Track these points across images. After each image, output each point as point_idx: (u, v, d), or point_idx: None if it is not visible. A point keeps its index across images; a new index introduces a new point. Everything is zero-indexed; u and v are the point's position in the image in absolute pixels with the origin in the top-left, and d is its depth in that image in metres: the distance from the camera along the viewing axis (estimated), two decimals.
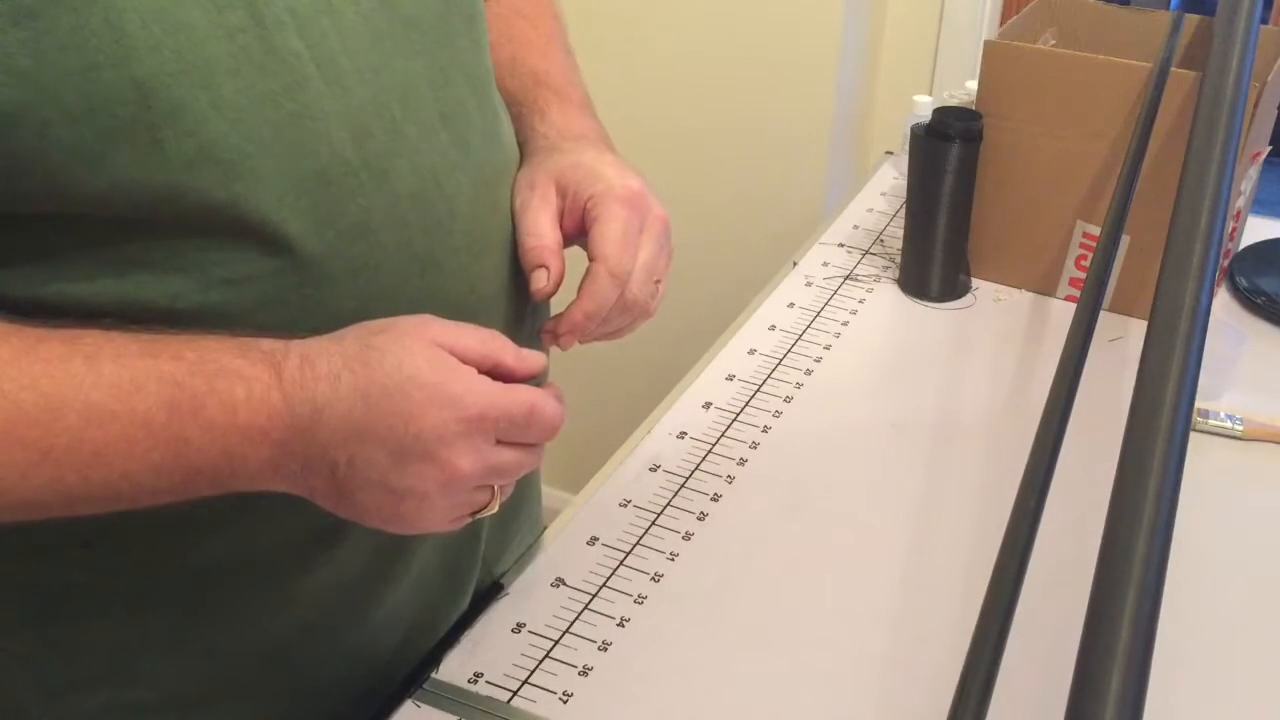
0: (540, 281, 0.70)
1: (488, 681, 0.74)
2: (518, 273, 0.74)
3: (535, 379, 0.64)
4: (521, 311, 0.77)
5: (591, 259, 0.70)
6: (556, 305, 0.74)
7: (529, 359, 0.63)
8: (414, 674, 0.74)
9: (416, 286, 0.66)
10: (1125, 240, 1.08)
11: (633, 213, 0.71)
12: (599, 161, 0.74)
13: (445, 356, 0.59)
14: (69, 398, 0.53)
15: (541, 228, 0.71)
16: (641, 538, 0.85)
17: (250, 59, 0.56)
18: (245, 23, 0.56)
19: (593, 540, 0.85)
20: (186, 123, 0.54)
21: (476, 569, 0.84)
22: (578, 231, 0.73)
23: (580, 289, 0.70)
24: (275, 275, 0.60)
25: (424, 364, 0.58)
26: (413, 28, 0.65)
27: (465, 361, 0.60)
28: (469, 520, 0.63)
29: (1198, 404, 1.00)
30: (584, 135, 0.78)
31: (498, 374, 0.61)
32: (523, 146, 0.78)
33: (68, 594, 0.66)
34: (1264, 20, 1.09)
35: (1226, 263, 1.20)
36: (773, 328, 1.11)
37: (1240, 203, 1.14)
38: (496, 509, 0.63)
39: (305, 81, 0.59)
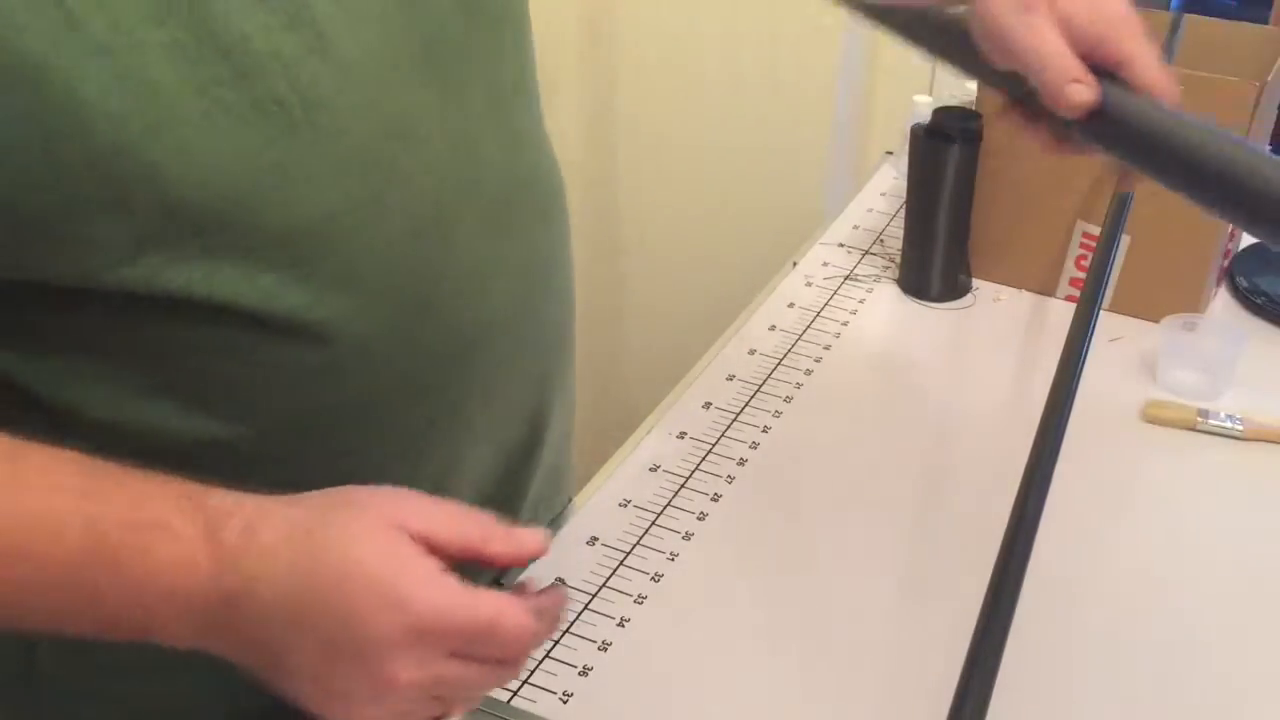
0: (1079, 95, 0.63)
1: None
2: (541, 296, 0.72)
3: (530, 558, 0.57)
4: (545, 335, 0.74)
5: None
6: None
7: (521, 543, 0.56)
8: None
9: (410, 329, 0.63)
10: (1125, 240, 1.08)
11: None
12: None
13: (402, 547, 0.51)
14: None
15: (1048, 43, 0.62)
16: (641, 538, 0.85)
17: (228, 112, 0.54)
18: (223, 75, 0.53)
19: (593, 540, 0.85)
20: (157, 185, 0.53)
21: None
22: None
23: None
24: (256, 347, 0.58)
25: (373, 553, 0.51)
26: (430, 48, 0.63)
27: (436, 550, 0.52)
28: None
29: (1198, 404, 1.00)
30: None
31: (479, 561, 0.54)
32: None
33: None
34: (1264, 20, 1.09)
35: (1227, 263, 1.20)
36: (773, 328, 1.11)
37: None
38: None
39: (292, 129, 0.56)
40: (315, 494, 0.54)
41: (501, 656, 0.55)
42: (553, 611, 0.57)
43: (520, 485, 0.82)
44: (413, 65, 0.62)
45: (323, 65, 0.57)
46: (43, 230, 0.52)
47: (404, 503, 0.54)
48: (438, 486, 0.65)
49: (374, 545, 0.51)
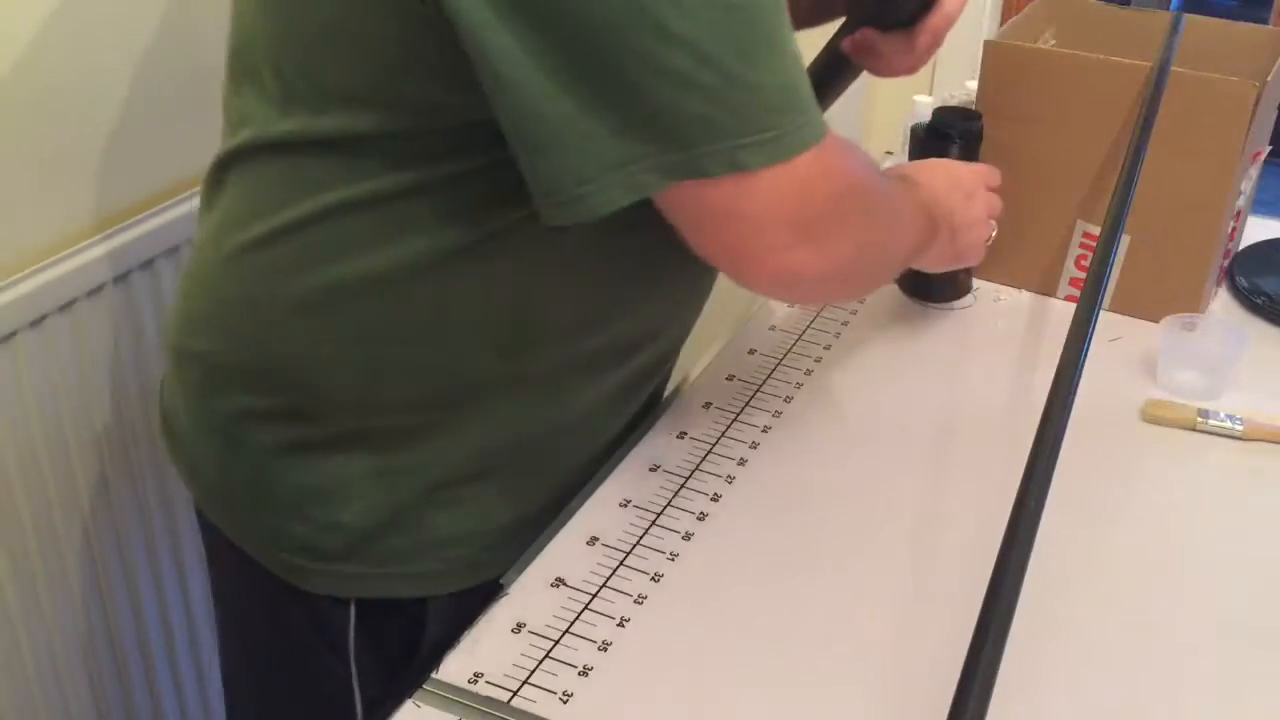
0: None
1: (488, 681, 0.73)
2: None
3: None
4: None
5: None
6: None
7: None
8: (414, 674, 0.75)
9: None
10: (1125, 240, 1.08)
11: None
12: None
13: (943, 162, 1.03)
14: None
15: None
16: (641, 538, 0.85)
17: None
18: None
19: (593, 540, 0.85)
20: None
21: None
22: None
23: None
24: None
25: (940, 165, 1.01)
26: None
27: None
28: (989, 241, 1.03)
29: (1198, 404, 1.00)
30: None
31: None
32: None
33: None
34: (1264, 20, 1.09)
35: (1227, 263, 1.20)
36: (773, 328, 1.11)
37: (1240, 203, 1.14)
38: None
39: None
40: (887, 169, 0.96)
41: (989, 178, 1.02)
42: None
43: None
44: None
45: None
46: None
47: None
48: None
49: (929, 162, 1.02)
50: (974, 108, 1.13)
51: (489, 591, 0.81)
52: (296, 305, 0.80)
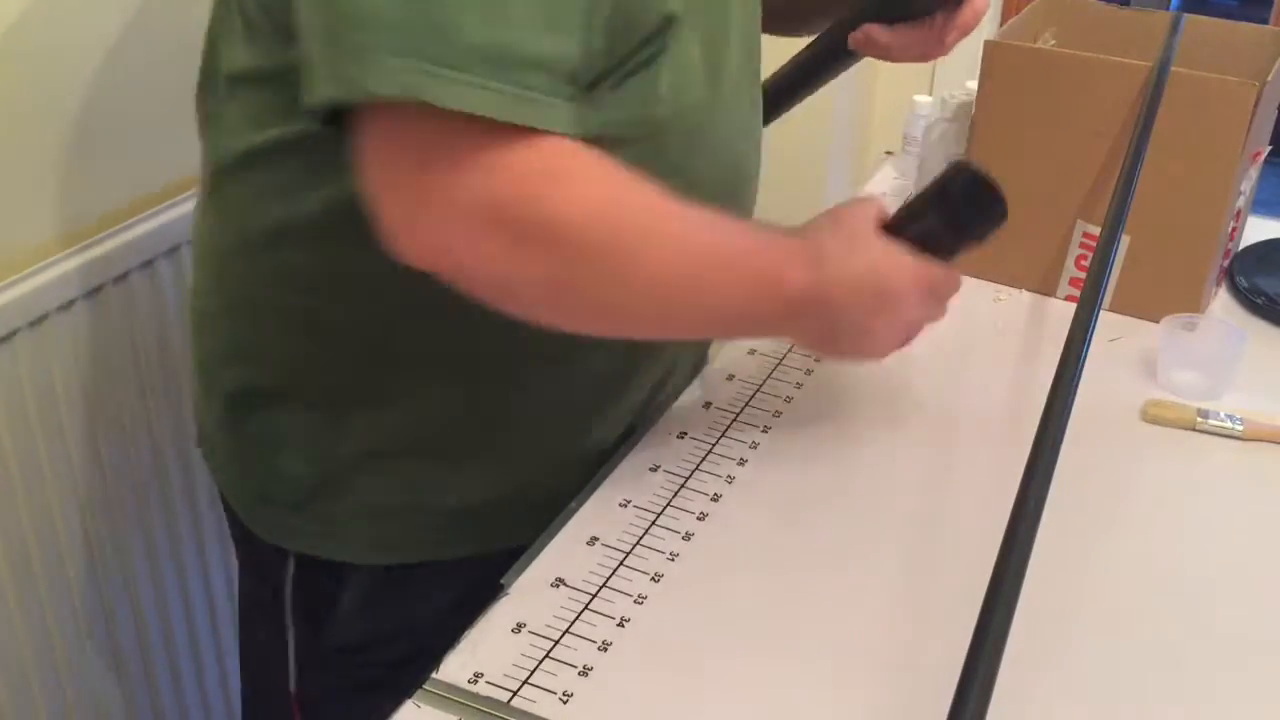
0: None
1: (488, 681, 0.73)
2: None
3: None
4: None
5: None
6: None
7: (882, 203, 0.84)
8: (414, 674, 0.75)
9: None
10: (1125, 240, 1.08)
11: None
12: None
13: (889, 243, 0.79)
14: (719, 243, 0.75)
15: None
16: (641, 538, 0.85)
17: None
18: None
19: (593, 540, 0.85)
20: None
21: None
22: None
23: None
24: None
25: (880, 252, 0.79)
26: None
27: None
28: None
29: (1198, 404, 1.00)
30: None
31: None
32: None
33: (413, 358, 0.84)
34: (1264, 20, 1.09)
35: (1226, 263, 1.20)
36: None
37: (1240, 203, 1.14)
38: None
39: None
40: (823, 222, 0.81)
41: (947, 296, 0.83)
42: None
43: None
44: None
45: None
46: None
47: (869, 211, 0.81)
48: None
49: (878, 246, 0.79)
50: (974, 107, 1.13)
51: (489, 591, 0.81)
52: (239, 247, 0.83)
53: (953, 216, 0.81)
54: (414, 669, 0.75)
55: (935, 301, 0.83)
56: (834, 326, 0.79)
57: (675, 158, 0.81)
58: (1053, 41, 1.23)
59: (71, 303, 1.13)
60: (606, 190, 0.70)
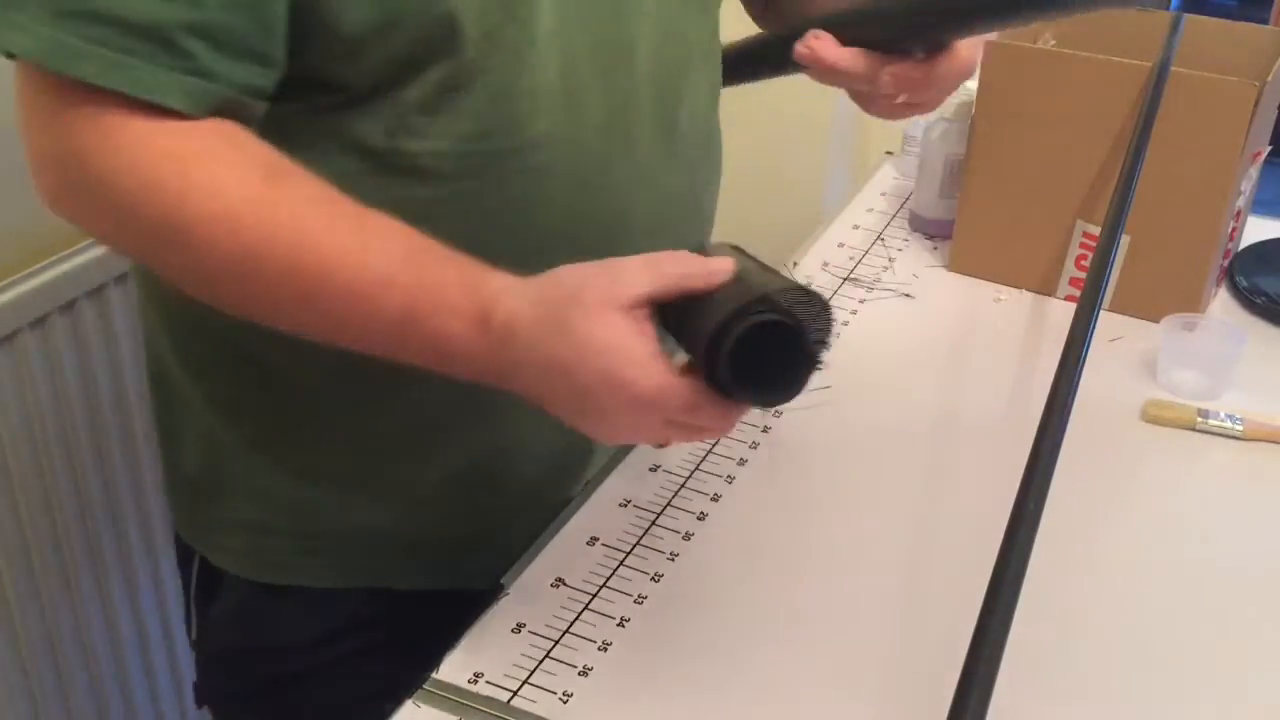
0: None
1: (488, 681, 0.74)
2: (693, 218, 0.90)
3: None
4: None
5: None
6: None
7: (712, 270, 0.63)
8: (413, 675, 0.75)
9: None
10: (1125, 240, 1.08)
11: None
12: None
13: (619, 331, 0.61)
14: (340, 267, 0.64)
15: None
16: (641, 538, 0.85)
17: None
18: None
19: (593, 540, 0.85)
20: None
21: None
22: None
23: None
24: None
25: (600, 341, 0.61)
26: None
27: (655, 298, 0.62)
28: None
29: (1198, 404, 1.00)
30: None
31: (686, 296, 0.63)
32: None
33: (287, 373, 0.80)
34: (1264, 20, 1.09)
35: (1226, 263, 1.20)
36: None
37: (1240, 203, 1.14)
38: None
39: None
40: (549, 288, 0.64)
41: (702, 429, 0.65)
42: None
43: None
44: None
45: None
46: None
47: (616, 280, 0.62)
48: None
49: (601, 334, 0.61)
50: (973, 107, 1.13)
51: (489, 591, 0.81)
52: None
53: (717, 373, 0.60)
54: (278, 692, 0.80)
55: (673, 429, 0.64)
56: (552, 406, 0.65)
57: (517, 195, 0.75)
58: (1053, 41, 1.23)
59: (73, 302, 1.13)
60: (211, 171, 0.64)
